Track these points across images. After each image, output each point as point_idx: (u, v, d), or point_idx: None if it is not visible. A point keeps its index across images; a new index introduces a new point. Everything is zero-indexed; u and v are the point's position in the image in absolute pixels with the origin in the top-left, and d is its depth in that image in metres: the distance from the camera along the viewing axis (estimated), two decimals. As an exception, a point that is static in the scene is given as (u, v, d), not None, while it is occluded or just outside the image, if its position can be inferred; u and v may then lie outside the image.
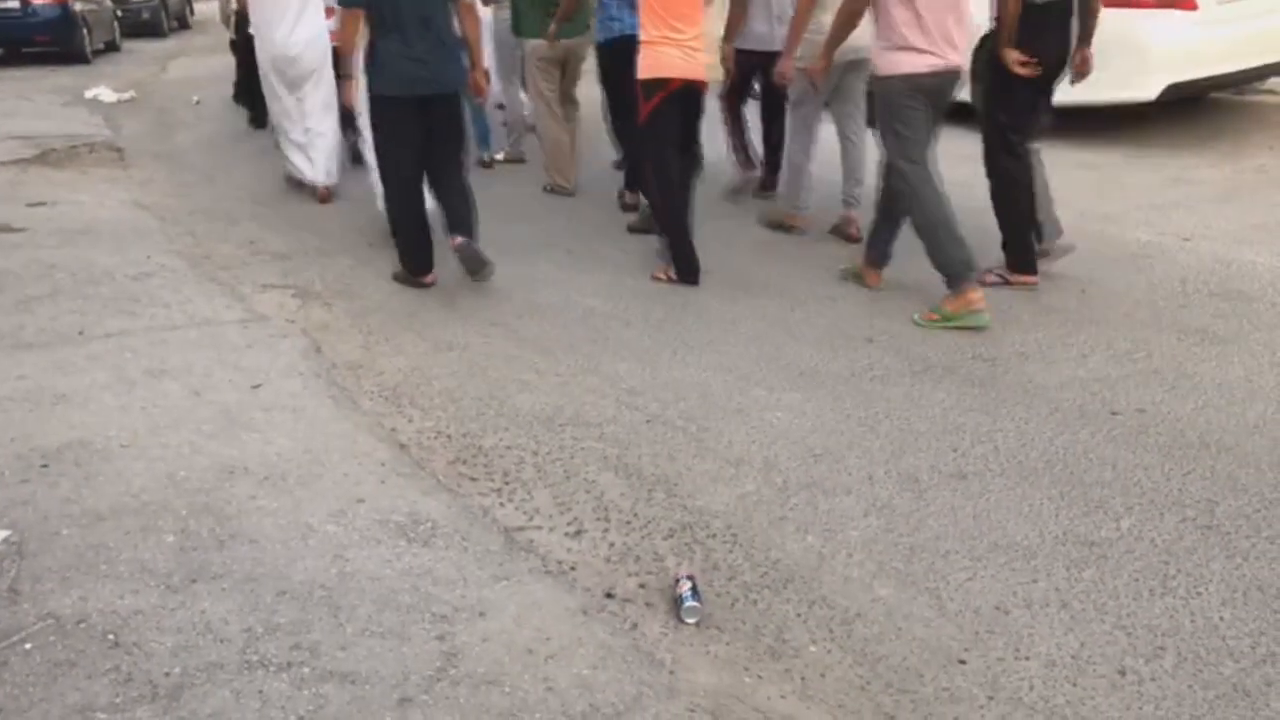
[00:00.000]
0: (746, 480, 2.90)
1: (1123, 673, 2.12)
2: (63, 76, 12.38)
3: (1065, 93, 4.68)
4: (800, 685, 2.11)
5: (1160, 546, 2.54)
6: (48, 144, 7.84)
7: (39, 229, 5.40)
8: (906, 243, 4.83)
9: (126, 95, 10.69)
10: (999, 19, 4.08)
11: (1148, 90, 6.57)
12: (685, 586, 2.32)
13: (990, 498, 2.78)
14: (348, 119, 5.73)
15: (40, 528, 2.61)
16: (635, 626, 2.27)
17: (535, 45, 6.01)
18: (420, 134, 4.28)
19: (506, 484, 2.88)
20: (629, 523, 2.69)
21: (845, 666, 2.16)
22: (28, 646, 2.17)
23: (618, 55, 5.04)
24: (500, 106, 7.28)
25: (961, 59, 4.07)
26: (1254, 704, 2.03)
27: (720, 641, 2.23)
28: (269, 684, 2.07)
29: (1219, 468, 2.91)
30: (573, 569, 2.48)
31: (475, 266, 4.38)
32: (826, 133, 5.24)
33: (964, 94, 4.40)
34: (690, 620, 2.28)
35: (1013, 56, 4.06)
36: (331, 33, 5.59)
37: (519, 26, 6.14)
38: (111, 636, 2.20)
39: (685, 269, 4.55)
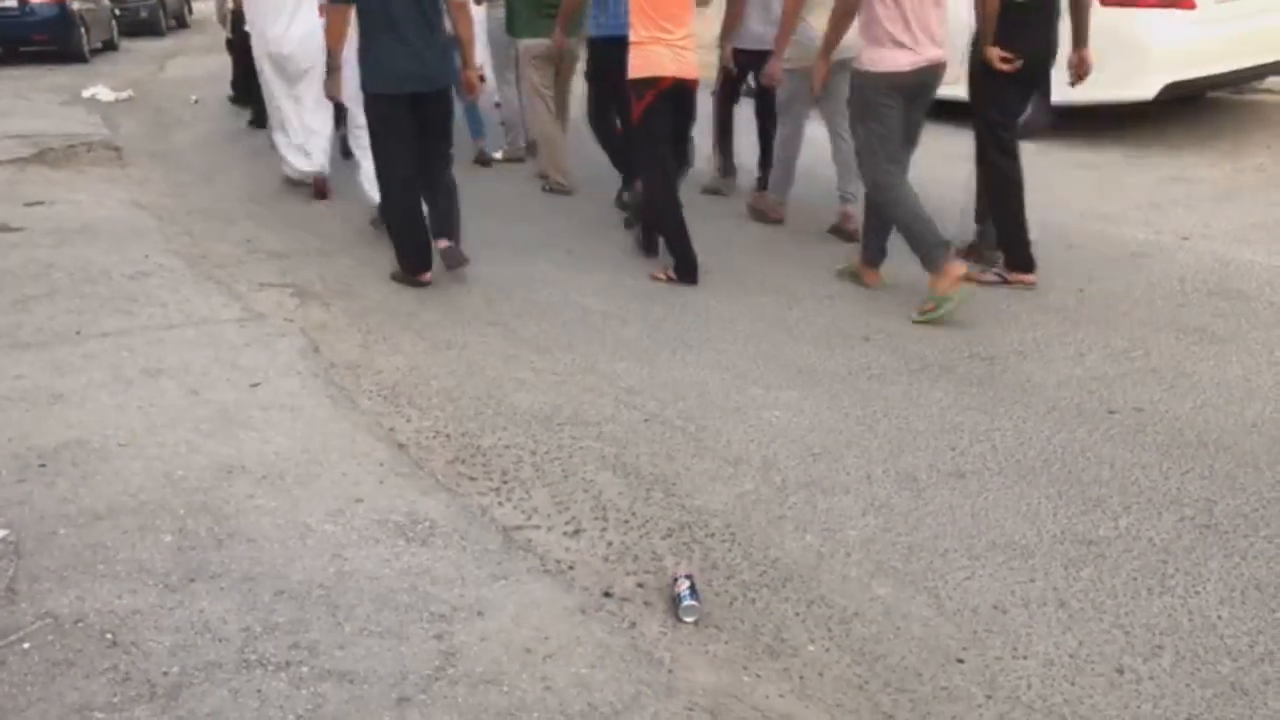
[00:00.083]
0: (745, 479, 2.90)
1: (1120, 671, 2.12)
2: (60, 75, 12.37)
3: (1065, 92, 4.70)
4: (799, 684, 2.11)
5: (1158, 545, 2.55)
6: (45, 143, 7.82)
7: (36, 228, 5.40)
8: (904, 242, 4.85)
9: (124, 94, 10.68)
10: (979, 17, 4.15)
11: (1146, 89, 6.58)
12: (683, 585, 2.32)
13: (988, 496, 2.79)
14: (339, 113, 5.76)
15: (37, 527, 2.61)
16: (634, 625, 2.27)
17: (529, 45, 6.02)
18: (414, 131, 4.31)
19: (505, 483, 2.88)
20: (627, 522, 2.68)
21: (843, 665, 2.16)
22: (26, 646, 2.17)
23: (608, 52, 5.07)
24: (497, 105, 7.29)
25: (943, 53, 4.11)
26: (1252, 702, 2.03)
27: (719, 640, 2.23)
28: (267, 683, 2.07)
29: (1217, 466, 2.91)
30: (571, 568, 2.48)
31: (455, 265, 4.51)
32: (822, 133, 5.24)
33: (962, 92, 4.42)
34: (689, 619, 2.28)
35: (994, 53, 4.12)
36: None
37: (512, 26, 6.14)
38: (109, 636, 2.20)
39: (684, 268, 4.55)
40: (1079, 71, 4.33)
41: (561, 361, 3.72)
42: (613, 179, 5.98)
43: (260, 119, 7.63)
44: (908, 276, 4.51)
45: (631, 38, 4.43)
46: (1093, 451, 3.02)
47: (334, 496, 2.78)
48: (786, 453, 3.04)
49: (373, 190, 5.17)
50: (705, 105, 5.90)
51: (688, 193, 5.48)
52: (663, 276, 4.59)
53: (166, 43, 17.54)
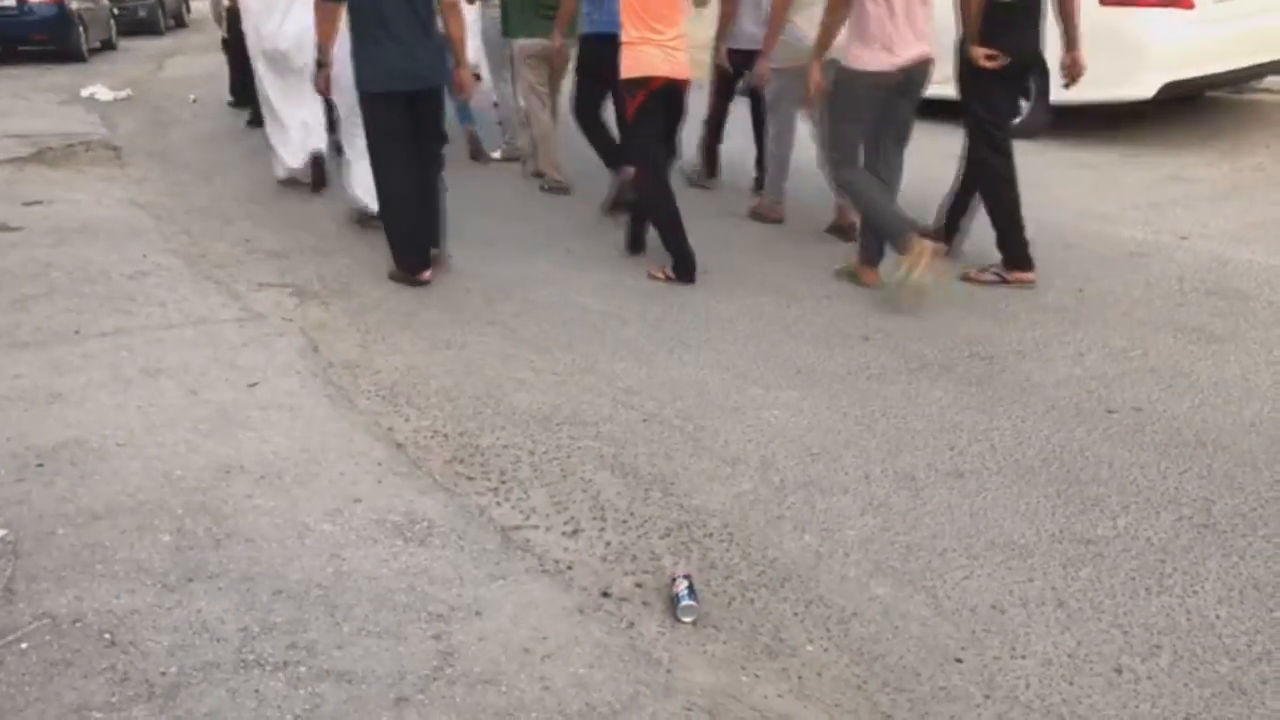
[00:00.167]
0: (743, 479, 2.90)
1: (1119, 671, 2.12)
2: (59, 75, 12.36)
3: (1063, 92, 4.71)
4: (797, 684, 2.11)
5: (1156, 545, 2.55)
6: (44, 142, 7.82)
7: (35, 228, 5.39)
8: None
9: (123, 94, 10.67)
10: (963, 16, 4.19)
11: (1145, 89, 6.58)
12: (682, 585, 2.32)
13: (987, 496, 2.79)
14: (330, 113, 5.80)
15: (36, 527, 2.61)
16: (632, 625, 2.27)
17: (524, 44, 6.04)
18: (409, 130, 4.35)
19: (503, 483, 2.88)
20: (625, 522, 2.68)
21: (842, 665, 2.16)
22: (23, 646, 2.17)
23: (599, 49, 5.08)
24: (495, 105, 7.30)
25: (930, 49, 4.15)
26: (1250, 702, 2.03)
27: (717, 640, 2.23)
28: (265, 683, 2.07)
29: (1215, 466, 2.91)
30: (569, 568, 2.48)
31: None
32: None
33: (952, 91, 4.43)
34: (687, 619, 2.28)
35: (979, 52, 4.15)
36: None
37: (507, 26, 6.15)
38: (108, 636, 2.20)
39: (682, 266, 4.56)
40: (1072, 73, 4.35)
41: (560, 361, 3.72)
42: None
43: (259, 118, 7.63)
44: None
45: (623, 38, 4.46)
46: (1091, 451, 3.02)
47: (332, 496, 2.78)
48: (785, 452, 3.04)
49: (358, 191, 5.29)
50: (699, 104, 5.93)
51: (681, 192, 5.50)
52: (660, 275, 4.59)
53: (165, 42, 17.53)
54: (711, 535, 2.63)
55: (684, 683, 2.09)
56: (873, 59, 4.08)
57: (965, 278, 4.46)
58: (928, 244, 4.13)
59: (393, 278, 4.57)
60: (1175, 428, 3.14)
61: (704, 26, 5.72)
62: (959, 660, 2.17)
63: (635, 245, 4.94)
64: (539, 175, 6.36)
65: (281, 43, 5.81)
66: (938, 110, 4.54)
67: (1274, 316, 3.97)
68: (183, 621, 2.25)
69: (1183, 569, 2.45)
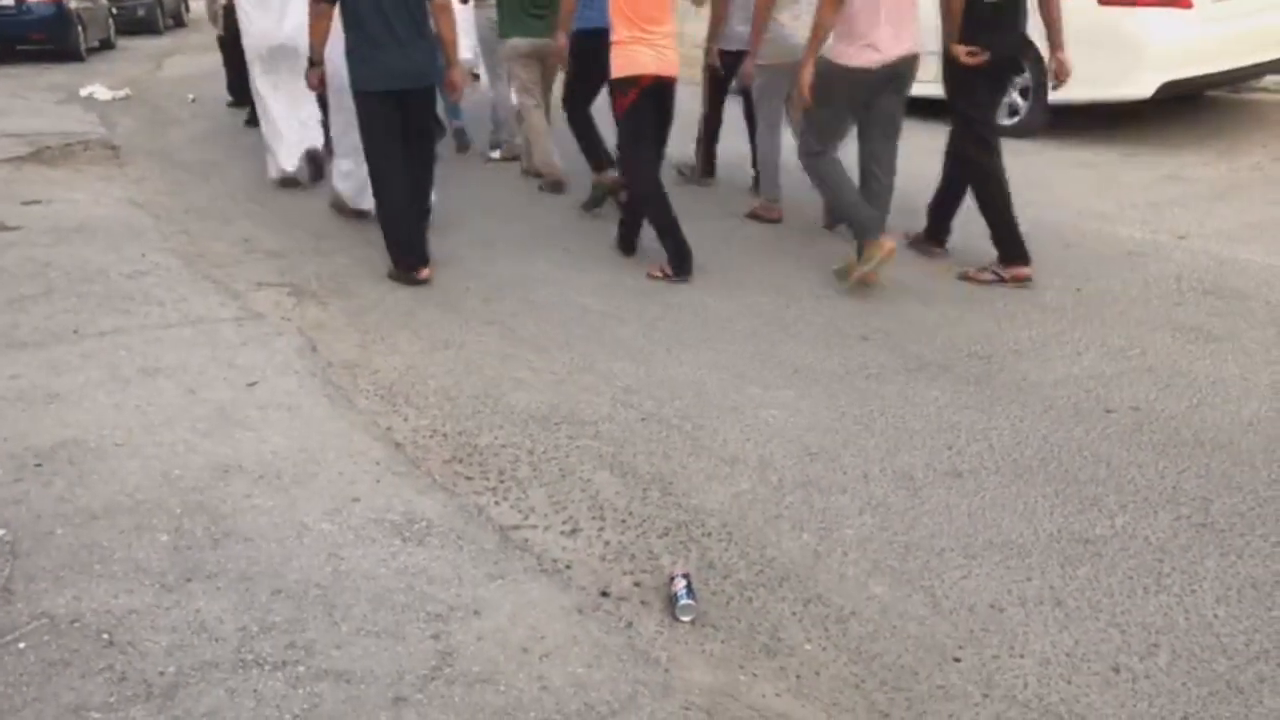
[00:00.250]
0: (742, 478, 2.90)
1: (1117, 670, 2.12)
2: (57, 74, 12.35)
3: (1062, 91, 4.72)
4: (795, 683, 2.11)
5: (1154, 544, 2.55)
6: (42, 142, 7.81)
7: (33, 227, 5.39)
8: (901, 239, 4.85)
9: (121, 93, 10.66)
10: (944, 15, 4.24)
11: (1143, 88, 6.58)
12: (680, 585, 2.33)
13: (985, 495, 2.79)
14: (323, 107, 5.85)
15: (34, 527, 2.60)
16: (630, 625, 2.27)
17: (515, 43, 6.04)
18: (401, 126, 4.40)
19: (502, 482, 2.88)
20: (624, 521, 2.69)
21: (840, 664, 2.16)
22: (21, 646, 2.17)
23: (587, 44, 5.11)
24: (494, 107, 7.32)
25: (915, 45, 4.18)
26: (1247, 701, 2.03)
27: (715, 640, 2.23)
28: (264, 683, 2.07)
29: (1213, 465, 2.91)
30: (568, 567, 2.48)
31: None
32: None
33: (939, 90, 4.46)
34: (685, 618, 2.28)
35: (960, 50, 4.19)
36: None
37: (500, 26, 6.15)
38: (106, 636, 2.20)
39: (678, 261, 4.57)
40: (1059, 76, 4.38)
41: (559, 361, 3.72)
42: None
43: (257, 118, 7.64)
44: (906, 275, 4.52)
45: (613, 37, 4.49)
46: (1089, 450, 3.02)
47: (331, 496, 2.78)
48: (783, 452, 3.04)
49: (340, 185, 5.47)
50: (693, 103, 5.95)
51: (679, 192, 5.52)
52: (659, 274, 4.59)
53: (164, 41, 17.52)
54: (710, 534, 2.63)
55: (682, 682, 2.09)
56: (857, 55, 4.12)
57: (964, 277, 4.47)
58: (889, 245, 4.26)
59: (392, 277, 4.57)
60: (1173, 427, 3.14)
61: (703, 26, 5.73)
62: (957, 659, 2.17)
63: (627, 247, 4.94)
64: (538, 175, 6.36)
65: (279, 38, 5.82)
66: (924, 108, 4.57)
67: (1271, 316, 3.98)
68: (181, 621, 2.25)
69: (1181, 568, 2.45)
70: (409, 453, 3.04)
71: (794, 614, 2.32)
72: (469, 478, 2.90)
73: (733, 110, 6.00)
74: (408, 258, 4.53)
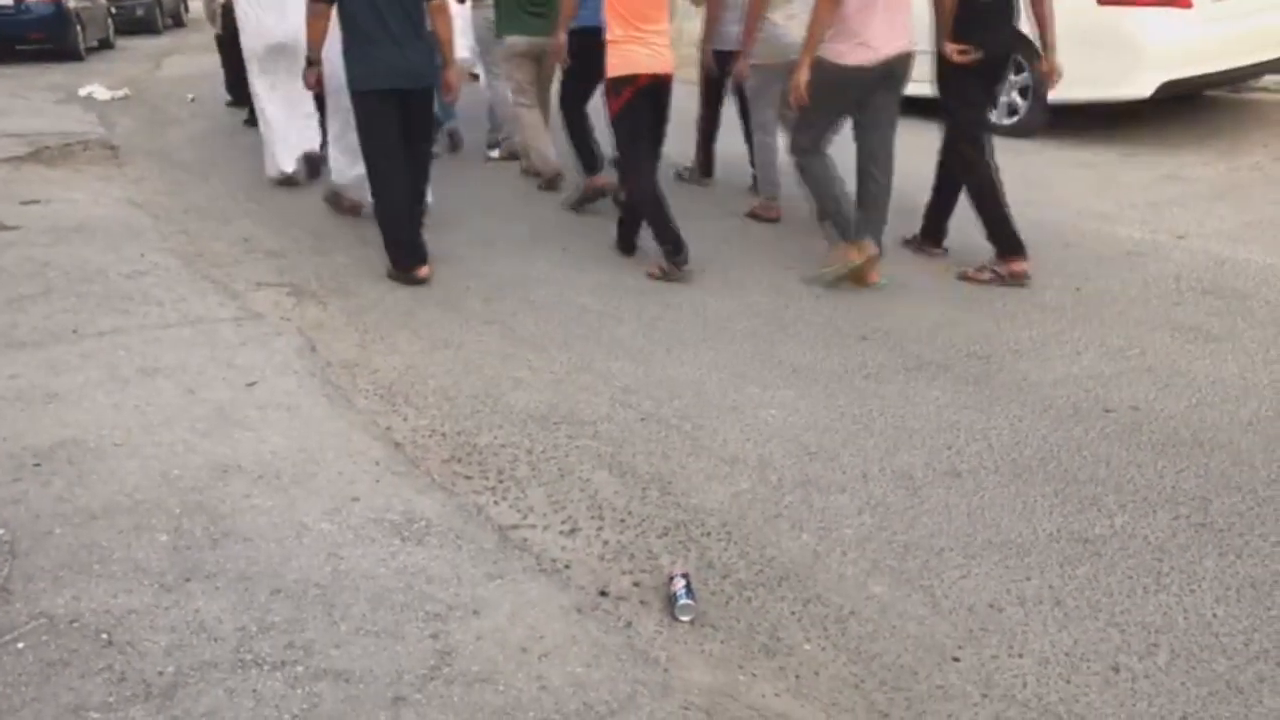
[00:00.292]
0: (741, 478, 2.90)
1: (1116, 670, 2.12)
2: (56, 74, 12.34)
3: (1061, 91, 4.73)
4: (794, 683, 2.11)
5: (1153, 544, 2.55)
6: (41, 142, 7.80)
7: (32, 227, 5.38)
8: (897, 241, 4.85)
9: (120, 93, 10.64)
10: (936, 12, 4.29)
11: (1142, 88, 6.59)
12: (679, 584, 2.32)
13: (984, 495, 2.79)
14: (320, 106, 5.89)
15: (33, 526, 2.60)
16: (629, 625, 2.27)
17: (512, 42, 6.04)
18: (399, 126, 4.41)
19: (501, 482, 2.88)
20: (623, 521, 2.68)
21: (839, 664, 2.16)
22: (20, 646, 2.17)
23: (581, 42, 5.12)
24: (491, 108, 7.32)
25: (910, 43, 4.20)
26: (1246, 700, 2.03)
27: (714, 640, 2.23)
28: (263, 683, 2.06)
29: (1212, 465, 2.91)
30: (567, 567, 2.48)
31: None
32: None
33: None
34: (684, 618, 2.28)
35: (951, 48, 4.23)
36: None
37: (497, 25, 6.15)
38: (105, 636, 2.20)
39: (672, 250, 4.57)
40: (1048, 78, 4.40)
41: (558, 360, 3.72)
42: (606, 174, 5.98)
43: (255, 117, 7.64)
44: (905, 275, 4.53)
45: (608, 36, 4.50)
46: (1089, 450, 3.02)
47: (330, 495, 2.78)
48: (782, 451, 3.04)
49: (333, 177, 5.53)
50: (691, 102, 5.96)
51: (677, 192, 5.54)
52: (658, 272, 4.59)
53: (163, 41, 17.50)
54: (709, 534, 2.63)
55: (681, 682, 2.09)
56: (851, 54, 4.13)
57: (963, 277, 4.47)
58: (870, 249, 4.34)
59: (391, 277, 4.57)
60: (1172, 427, 3.14)
61: (702, 25, 5.73)
62: (956, 659, 2.17)
63: (627, 247, 4.95)
64: (537, 174, 6.36)
65: (281, 36, 5.83)
66: (922, 107, 4.59)
67: (1271, 315, 3.98)
68: (180, 621, 2.25)
69: (1180, 568, 2.45)
70: (408, 452, 3.04)
71: (793, 614, 2.32)
72: (468, 477, 2.90)
73: (730, 110, 6.01)
74: (407, 258, 4.53)
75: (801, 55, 4.20)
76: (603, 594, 2.38)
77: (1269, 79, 7.88)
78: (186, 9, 22.01)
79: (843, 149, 4.49)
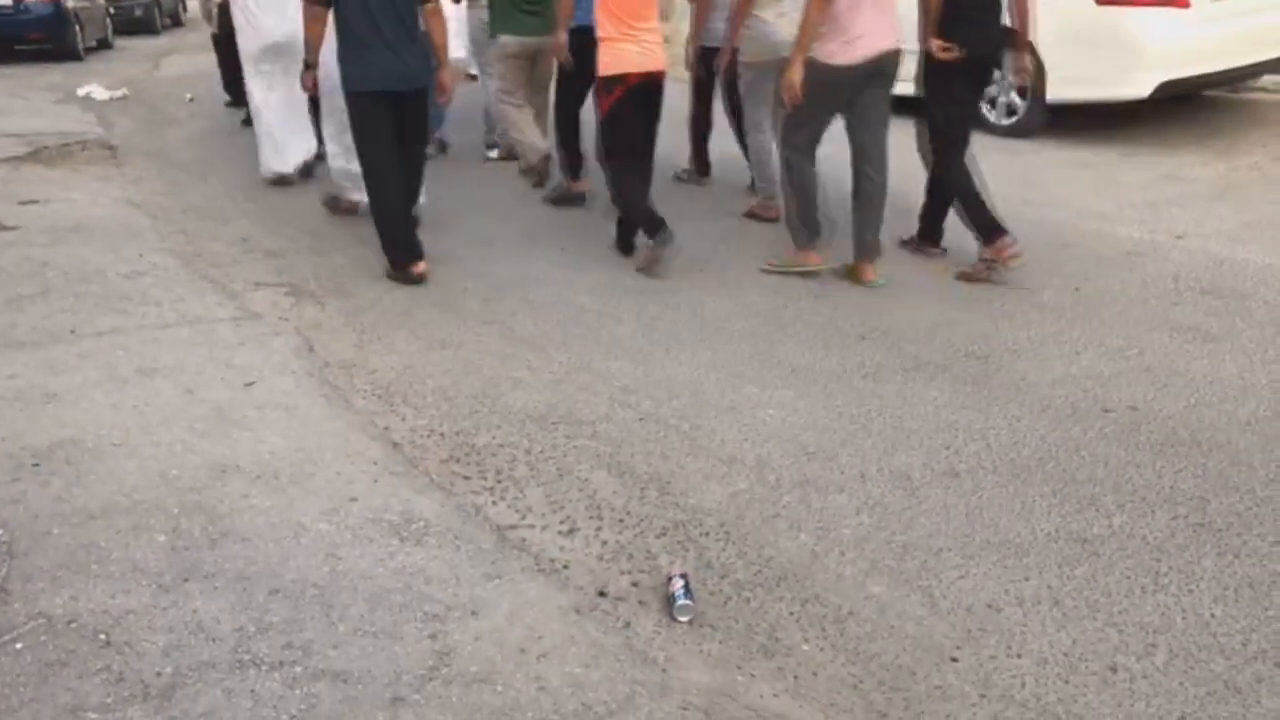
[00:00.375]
0: (739, 478, 2.90)
1: (1114, 670, 2.13)
2: (55, 74, 12.33)
3: (1060, 91, 4.74)
4: (793, 683, 2.11)
5: (1152, 544, 2.55)
6: (40, 142, 7.80)
7: (31, 227, 5.38)
8: (895, 239, 4.85)
9: (119, 93, 10.64)
10: (922, 9, 4.32)
11: (1141, 88, 6.59)
12: (678, 585, 2.32)
13: (982, 495, 2.79)
14: (314, 108, 5.93)
15: (31, 527, 2.60)
16: (628, 625, 2.27)
17: (505, 42, 6.03)
18: (393, 127, 4.44)
19: (499, 482, 2.88)
20: (622, 521, 2.68)
21: (838, 664, 2.16)
22: (18, 646, 2.17)
23: (576, 43, 5.14)
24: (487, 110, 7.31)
25: (896, 41, 4.22)
26: (1245, 700, 2.04)
27: (713, 640, 2.23)
28: (261, 683, 2.06)
29: (1211, 465, 2.92)
30: (565, 567, 2.48)
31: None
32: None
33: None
34: (683, 619, 2.28)
35: (936, 44, 4.26)
36: None
37: (491, 24, 6.14)
38: (103, 636, 2.20)
39: (653, 231, 4.60)
40: (1019, 75, 4.43)
41: (556, 360, 3.72)
42: (600, 175, 5.99)
43: (253, 117, 7.65)
44: (903, 275, 4.53)
45: (599, 34, 4.52)
46: (1087, 450, 3.02)
47: (328, 496, 2.77)
48: (781, 451, 3.04)
49: (336, 175, 5.52)
50: (685, 101, 5.97)
51: (675, 192, 5.56)
52: (644, 264, 4.63)
53: (161, 41, 17.49)
54: (708, 534, 2.63)
55: (680, 682, 2.09)
56: (839, 53, 4.15)
57: (961, 277, 4.47)
58: (816, 260, 4.51)
59: (389, 277, 4.57)
60: (1171, 427, 3.15)
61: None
62: (954, 659, 2.17)
63: (625, 247, 4.96)
64: (536, 173, 6.34)
65: (280, 36, 5.83)
66: (919, 107, 4.60)
67: (1269, 316, 3.98)
68: (178, 621, 2.25)
69: (1178, 568, 2.45)
70: (406, 452, 3.04)
71: (792, 614, 2.32)
72: (466, 477, 2.90)
73: (718, 109, 6.01)
74: (404, 255, 4.54)
75: (794, 54, 4.21)
76: (601, 594, 2.38)
77: (1267, 79, 7.88)
78: (185, 9, 21.97)
79: (843, 149, 4.50)
